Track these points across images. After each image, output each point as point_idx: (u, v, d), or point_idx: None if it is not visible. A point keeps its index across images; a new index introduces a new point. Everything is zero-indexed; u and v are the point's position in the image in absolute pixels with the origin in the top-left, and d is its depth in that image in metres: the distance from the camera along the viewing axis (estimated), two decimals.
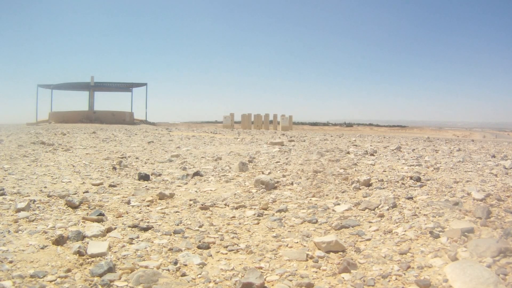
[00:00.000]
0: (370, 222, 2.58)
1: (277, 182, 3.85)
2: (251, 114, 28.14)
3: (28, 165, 4.74)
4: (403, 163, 4.95)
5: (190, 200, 3.18)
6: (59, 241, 2.07)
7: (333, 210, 2.89)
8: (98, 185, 3.70)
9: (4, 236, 2.13)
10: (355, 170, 4.46)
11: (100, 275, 1.72)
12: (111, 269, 1.76)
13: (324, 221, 2.62)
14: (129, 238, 2.22)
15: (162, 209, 2.93)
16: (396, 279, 1.75)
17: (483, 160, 5.44)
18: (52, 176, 4.02)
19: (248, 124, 27.48)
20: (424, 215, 2.56)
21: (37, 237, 2.15)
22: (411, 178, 3.72)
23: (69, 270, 1.76)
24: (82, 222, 2.48)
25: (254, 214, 2.80)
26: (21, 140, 8.28)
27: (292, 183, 3.83)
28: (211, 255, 2.04)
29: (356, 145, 8.34)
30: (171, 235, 2.33)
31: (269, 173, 4.45)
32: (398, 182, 3.63)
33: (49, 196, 3.05)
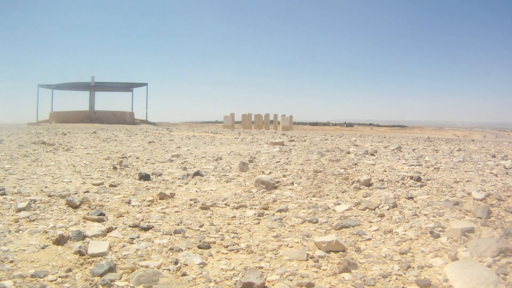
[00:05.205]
0: (370, 222, 2.58)
1: (278, 182, 3.85)
2: (252, 114, 28.14)
3: (29, 165, 4.74)
4: (404, 163, 4.95)
5: (191, 200, 3.19)
6: (60, 241, 2.08)
7: (333, 210, 2.89)
8: (98, 185, 3.70)
9: (5, 236, 2.13)
10: (356, 170, 4.47)
11: (101, 275, 1.72)
12: (111, 269, 1.77)
13: (324, 221, 2.62)
14: (130, 238, 2.22)
15: (162, 209, 2.93)
16: (396, 278, 1.75)
17: (483, 160, 5.43)
18: (52, 176, 4.03)
19: (249, 124, 27.48)
20: (425, 215, 2.56)
21: (37, 237, 2.16)
22: (411, 178, 3.72)
23: (69, 270, 1.77)
24: (83, 222, 2.48)
25: (255, 214, 2.80)
26: (21, 140, 8.29)
27: (292, 183, 3.83)
28: (211, 255, 2.04)
29: (356, 145, 8.34)
30: (171, 235, 2.33)
31: (270, 173, 4.46)
32: (398, 182, 3.63)
33: (49, 196, 3.06)
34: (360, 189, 3.51)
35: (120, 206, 2.94)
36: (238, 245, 2.19)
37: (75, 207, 2.80)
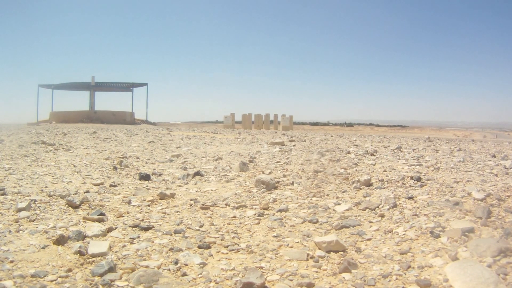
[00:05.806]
0: (370, 222, 2.58)
1: (278, 182, 3.85)
2: (252, 114, 28.16)
3: (29, 165, 4.74)
4: (404, 163, 4.94)
5: (191, 200, 3.19)
6: (60, 241, 2.08)
7: (333, 210, 2.89)
8: (98, 185, 3.70)
9: (5, 236, 2.13)
10: (356, 170, 4.46)
11: (101, 275, 1.72)
12: (111, 269, 1.77)
13: (324, 221, 2.62)
14: (130, 238, 2.22)
15: (162, 209, 2.93)
16: (396, 278, 1.75)
17: (484, 160, 5.43)
18: (53, 176, 4.03)
19: (249, 124, 27.48)
20: (425, 215, 2.56)
21: (38, 237, 2.16)
22: (411, 178, 3.72)
23: (69, 270, 1.77)
24: (83, 222, 2.48)
25: (255, 214, 2.80)
26: (22, 140, 8.29)
27: (292, 183, 3.83)
28: (211, 255, 2.04)
29: (356, 145, 8.34)
30: (171, 235, 2.33)
31: (270, 173, 4.46)
32: (398, 182, 3.63)
33: (50, 196, 3.06)
34: (360, 189, 3.51)
35: (120, 206, 2.94)
36: (238, 245, 2.19)
37: (75, 207, 2.80)
